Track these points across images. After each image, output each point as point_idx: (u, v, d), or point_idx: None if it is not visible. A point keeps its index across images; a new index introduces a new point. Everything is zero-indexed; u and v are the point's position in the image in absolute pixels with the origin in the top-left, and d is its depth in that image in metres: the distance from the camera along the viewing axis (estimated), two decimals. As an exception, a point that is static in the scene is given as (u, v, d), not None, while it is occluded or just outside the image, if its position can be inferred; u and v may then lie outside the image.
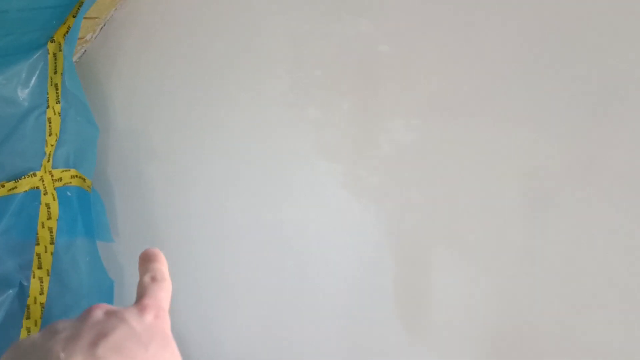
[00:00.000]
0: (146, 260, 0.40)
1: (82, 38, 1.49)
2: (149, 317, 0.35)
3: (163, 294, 0.37)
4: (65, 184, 1.55)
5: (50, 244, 1.57)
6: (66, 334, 0.32)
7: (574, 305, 1.12)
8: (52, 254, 1.58)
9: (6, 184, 1.42)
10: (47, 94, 1.43)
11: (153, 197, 1.61)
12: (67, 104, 1.47)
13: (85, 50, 1.56)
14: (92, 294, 1.66)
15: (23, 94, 1.37)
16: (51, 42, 1.37)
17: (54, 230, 1.56)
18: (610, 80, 0.97)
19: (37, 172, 1.48)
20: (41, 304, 1.61)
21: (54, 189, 1.53)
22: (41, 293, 1.60)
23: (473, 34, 1.10)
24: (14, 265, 1.53)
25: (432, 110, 1.17)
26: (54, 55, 1.40)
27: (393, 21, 1.17)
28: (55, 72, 1.41)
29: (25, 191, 1.47)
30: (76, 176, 1.56)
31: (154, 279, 0.38)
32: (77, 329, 0.32)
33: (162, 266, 0.40)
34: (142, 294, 0.37)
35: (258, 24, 1.32)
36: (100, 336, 0.31)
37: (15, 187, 1.44)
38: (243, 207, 1.46)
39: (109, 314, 0.34)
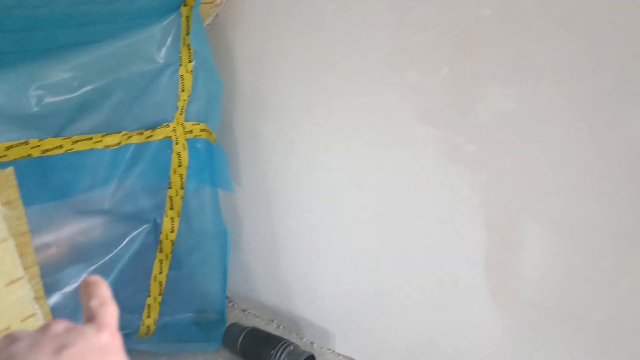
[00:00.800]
0: (90, 287, 0.42)
1: (213, 2, 1.62)
2: (105, 335, 0.38)
3: (113, 316, 0.40)
4: (195, 136, 1.73)
5: (181, 188, 1.77)
6: (28, 342, 0.35)
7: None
8: (181, 198, 1.78)
9: (144, 132, 1.63)
10: (180, 54, 1.59)
11: (268, 152, 1.72)
12: (198, 63, 1.62)
13: (217, 14, 1.70)
14: (212, 239, 1.85)
15: (159, 52, 1.55)
16: (184, 5, 1.53)
17: (184, 177, 1.75)
18: None
19: (170, 124, 1.67)
20: (171, 240, 1.83)
21: (185, 139, 1.71)
22: (172, 231, 1.82)
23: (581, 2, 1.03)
24: (150, 204, 1.75)
25: (532, 79, 1.11)
26: (187, 17, 1.55)
27: (500, -17, 1.13)
28: (188, 34, 1.57)
29: (160, 140, 1.66)
30: (205, 130, 1.73)
31: (102, 304, 0.40)
32: (39, 339, 0.35)
33: (106, 292, 0.42)
34: (93, 316, 0.39)
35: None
36: (63, 346, 0.34)
37: (152, 136, 1.64)
38: (345, 166, 1.52)
39: (68, 329, 0.37)
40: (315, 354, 1.70)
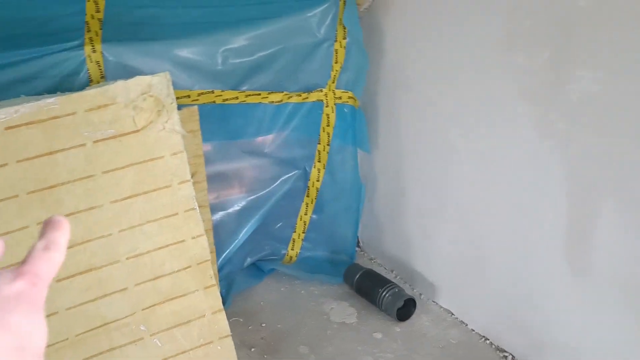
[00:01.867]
0: (48, 227, 0.37)
1: (369, -10, 1.92)
2: (20, 283, 0.33)
3: (48, 264, 0.35)
4: (343, 101, 2.05)
5: (327, 145, 2.11)
6: None
7: None
8: (327, 153, 2.13)
9: (302, 94, 2.00)
10: (336, 31, 1.92)
11: (403, 121, 1.98)
12: (351, 40, 1.94)
13: (373, 0, 1.99)
14: (350, 192, 2.18)
15: (319, 29, 1.89)
16: (342, -9, 1.85)
17: (331, 135, 2.09)
18: None
19: (323, 89, 2.01)
20: (317, 188, 2.20)
21: (334, 104, 2.05)
22: (318, 180, 2.18)
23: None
24: (301, 154, 2.12)
25: (620, 63, 1.22)
26: (344, 2, 1.87)
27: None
28: (344, 15, 1.89)
29: (313, 101, 2.02)
30: (351, 97, 2.05)
31: (46, 248, 0.36)
32: None
33: (61, 237, 0.37)
34: (26, 259, 0.35)
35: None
36: None
37: (307, 98, 2.01)
38: (460, 134, 1.72)
39: None
40: (420, 304, 1.93)
